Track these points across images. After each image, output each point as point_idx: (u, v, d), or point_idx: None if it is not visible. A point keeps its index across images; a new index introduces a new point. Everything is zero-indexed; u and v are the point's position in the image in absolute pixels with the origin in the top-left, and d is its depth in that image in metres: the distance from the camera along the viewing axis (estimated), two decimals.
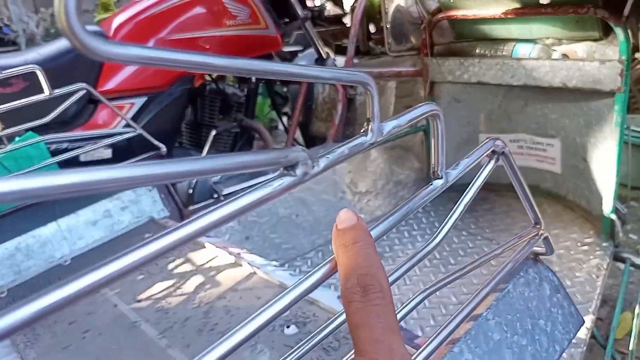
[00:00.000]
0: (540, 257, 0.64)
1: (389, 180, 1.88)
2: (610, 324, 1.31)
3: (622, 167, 1.40)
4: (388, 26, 1.66)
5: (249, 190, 0.29)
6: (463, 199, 0.45)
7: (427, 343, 0.49)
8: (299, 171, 0.30)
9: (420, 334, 1.21)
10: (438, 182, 0.41)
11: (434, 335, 0.49)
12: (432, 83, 1.66)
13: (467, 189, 0.46)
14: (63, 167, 1.30)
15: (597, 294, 1.24)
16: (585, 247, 1.44)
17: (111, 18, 1.65)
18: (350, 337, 0.27)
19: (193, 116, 1.79)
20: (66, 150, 1.40)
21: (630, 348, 1.16)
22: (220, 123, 1.81)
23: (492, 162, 0.46)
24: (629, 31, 1.24)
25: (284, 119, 2.38)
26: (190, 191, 1.66)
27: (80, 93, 1.20)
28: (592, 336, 1.26)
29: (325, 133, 1.86)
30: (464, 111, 1.69)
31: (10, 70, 1.15)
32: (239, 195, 0.29)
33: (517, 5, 1.38)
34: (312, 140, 2.11)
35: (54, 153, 1.34)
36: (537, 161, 1.64)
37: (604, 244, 1.43)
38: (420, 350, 0.48)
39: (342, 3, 6.32)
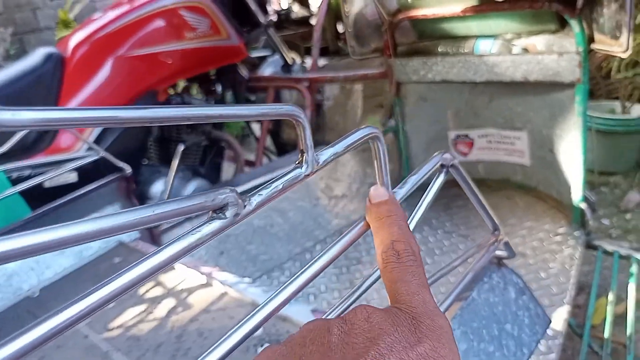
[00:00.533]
0: (505, 260, 0.65)
1: (363, 183, 1.88)
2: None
3: (589, 154, 1.42)
4: (350, 30, 1.66)
5: (180, 236, 0.28)
6: (415, 215, 0.45)
7: None
8: (229, 213, 0.29)
9: None
10: None
11: None
12: (398, 83, 1.67)
13: (418, 206, 0.45)
14: (26, 196, 1.26)
15: (571, 284, 1.26)
16: (558, 238, 1.46)
17: (67, 38, 1.62)
18: (387, 291, 0.30)
19: (159, 132, 1.76)
20: (29, 177, 1.37)
21: (606, 336, 1.17)
22: (188, 137, 1.78)
23: (442, 175, 0.46)
24: (584, 23, 1.26)
25: (255, 126, 2.36)
26: None
27: None
28: (569, 325, 1.28)
29: (295, 140, 1.85)
30: (431, 109, 1.70)
31: None
32: (170, 241, 0.28)
33: (475, 3, 1.40)
34: (283, 148, 2.10)
35: (16, 182, 1.30)
36: (506, 155, 1.66)
37: (576, 233, 1.45)
38: None
39: (309, 5, 6.31)
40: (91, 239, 0.25)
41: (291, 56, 2.11)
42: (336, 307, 0.44)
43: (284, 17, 4.59)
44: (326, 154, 0.35)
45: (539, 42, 1.43)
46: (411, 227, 0.47)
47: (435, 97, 1.68)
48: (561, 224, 1.52)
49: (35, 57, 1.51)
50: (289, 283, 0.36)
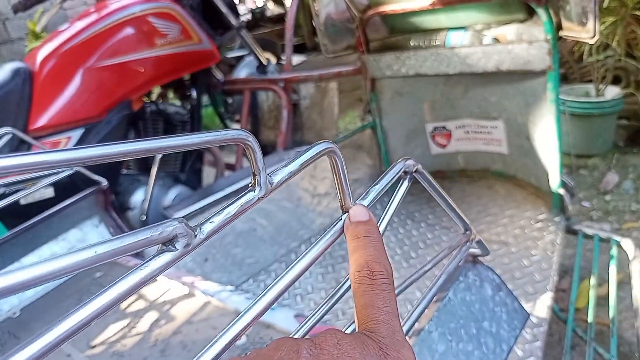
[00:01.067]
0: (480, 257, 0.65)
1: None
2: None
3: (564, 138, 1.44)
4: (321, 28, 1.65)
5: (127, 273, 0.28)
6: (381, 221, 0.45)
7: None
8: (179, 244, 0.28)
9: None
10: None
11: None
12: (372, 79, 1.67)
13: (384, 212, 0.45)
14: (2, 215, 1.24)
15: (553, 270, 1.28)
16: (539, 225, 1.48)
17: (35, 51, 1.59)
18: (356, 315, 0.31)
19: None
20: (4, 195, 1.34)
21: (590, 320, 1.19)
22: None
23: (406, 182, 0.46)
24: (551, 11, 1.26)
25: (237, 127, 2.34)
26: (144, 218, 1.62)
27: (6, 137, 1.15)
28: (553, 312, 1.29)
29: (274, 141, 1.84)
30: (407, 103, 1.71)
31: None
32: (117, 279, 0.28)
33: None
34: (263, 149, 2.08)
35: None
36: (484, 144, 1.67)
37: (556, 219, 1.47)
38: None
39: (283, 2, 6.28)
40: (35, 284, 0.24)
41: (265, 56, 2.10)
42: (316, 311, 0.44)
43: (259, 16, 4.57)
44: (280, 174, 0.34)
45: (509, 31, 1.44)
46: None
47: (410, 91, 1.69)
48: (541, 211, 1.53)
49: (3, 72, 1.48)
50: (270, 288, 0.36)
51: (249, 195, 0.32)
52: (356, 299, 0.32)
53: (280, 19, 5.87)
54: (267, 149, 1.93)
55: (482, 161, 1.72)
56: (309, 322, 0.45)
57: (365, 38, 1.62)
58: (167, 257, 0.28)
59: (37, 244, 1.19)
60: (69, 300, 1.13)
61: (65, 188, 1.44)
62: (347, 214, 0.40)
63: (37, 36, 3.19)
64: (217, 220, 0.31)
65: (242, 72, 2.12)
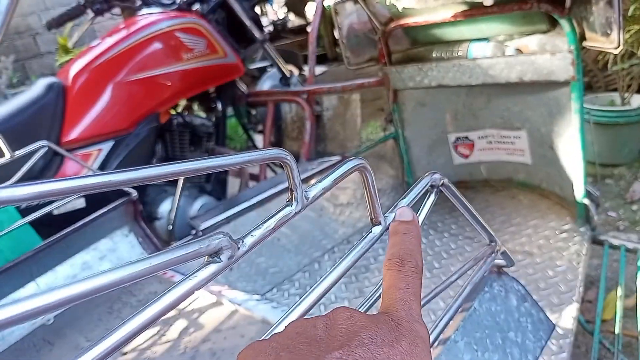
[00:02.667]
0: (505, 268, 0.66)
1: None
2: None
3: (589, 148, 1.43)
4: (344, 41, 1.68)
5: (177, 283, 0.30)
6: None
7: None
8: (223, 257, 0.30)
9: None
10: (377, 229, 0.42)
11: None
12: (395, 91, 1.68)
13: None
14: (36, 225, 1.29)
15: (579, 281, 1.26)
16: (564, 235, 1.46)
17: (67, 66, 1.65)
18: (382, 296, 0.32)
19: (164, 152, 1.79)
20: (37, 207, 1.39)
21: (617, 331, 1.18)
22: (191, 155, 1.81)
23: (433, 196, 0.47)
24: (574, 21, 1.27)
25: (258, 140, 2.38)
26: (170, 227, 1.66)
27: (42, 150, 1.20)
28: (579, 323, 1.28)
29: (297, 152, 1.87)
30: (430, 114, 1.71)
31: None
32: (164, 292, 0.30)
33: (464, 8, 1.41)
34: None
35: (25, 212, 1.33)
36: (507, 154, 1.67)
37: (581, 229, 1.46)
38: None
39: (305, 14, 6.35)
40: (90, 296, 0.27)
41: (288, 68, 2.13)
42: None
43: (281, 27, 4.62)
44: (315, 189, 0.36)
45: (532, 42, 1.44)
46: None
47: (433, 102, 1.70)
48: (566, 221, 1.52)
49: (37, 88, 1.54)
50: (301, 301, 0.38)
51: (287, 210, 0.34)
52: (384, 282, 0.33)
53: (301, 30, 5.95)
54: None
55: (505, 171, 1.72)
56: None
57: (388, 50, 1.64)
58: (212, 268, 0.30)
59: (70, 253, 1.23)
60: (99, 308, 1.16)
61: (96, 199, 1.49)
62: (377, 225, 0.42)
63: (67, 50, 3.30)
64: (258, 233, 0.33)
65: (266, 84, 2.16)
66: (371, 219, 0.42)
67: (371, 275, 1.52)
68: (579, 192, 1.45)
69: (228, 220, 1.47)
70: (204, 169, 0.30)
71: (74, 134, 1.52)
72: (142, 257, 0.28)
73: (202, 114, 2.03)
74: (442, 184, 0.49)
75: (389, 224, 0.43)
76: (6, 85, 3.66)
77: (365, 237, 0.42)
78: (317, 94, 1.85)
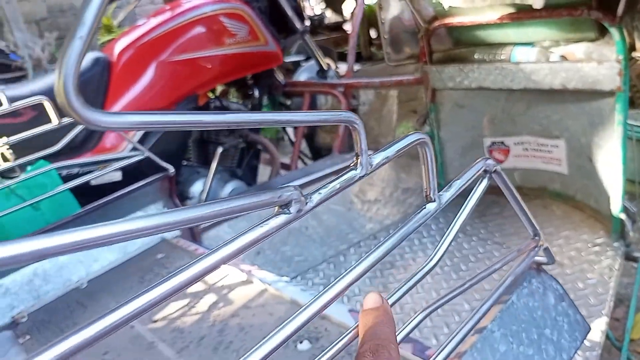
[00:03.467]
0: (544, 266, 0.65)
1: (397, 188, 1.89)
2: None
3: (629, 163, 1.40)
4: (386, 36, 1.68)
5: (247, 230, 0.31)
6: (458, 218, 0.47)
7: (433, 356, 0.50)
8: (292, 209, 0.31)
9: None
10: (431, 206, 0.42)
11: (440, 348, 0.50)
12: (433, 90, 1.68)
13: (461, 210, 0.47)
14: (75, 192, 1.33)
15: (609, 295, 1.24)
16: (597, 248, 1.44)
17: (113, 43, 1.69)
18: None
19: (199, 134, 1.82)
20: (77, 175, 1.43)
21: None
22: (226, 139, 1.83)
23: (485, 181, 0.48)
24: (625, 31, 1.24)
25: (290, 130, 2.40)
26: None
27: None
28: (607, 338, 1.26)
29: (330, 144, 1.88)
30: (467, 116, 1.70)
31: (20, 102, 1.19)
32: (238, 234, 0.31)
33: (512, 10, 1.40)
34: (318, 152, 2.13)
35: (65, 179, 1.37)
36: (543, 163, 1.64)
37: (615, 244, 1.43)
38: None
39: (342, 11, 6.36)
40: (162, 231, 0.28)
41: (326, 62, 2.14)
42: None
43: (317, 23, 4.65)
44: (378, 157, 0.37)
45: (578, 50, 1.42)
46: (453, 231, 0.49)
47: (471, 104, 1.68)
48: (599, 234, 1.49)
49: (84, 61, 1.59)
50: (333, 284, 0.38)
51: (352, 173, 0.35)
52: None
53: (337, 27, 5.94)
54: (322, 152, 1.97)
55: (540, 180, 1.69)
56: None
57: (429, 48, 1.63)
58: (282, 219, 0.31)
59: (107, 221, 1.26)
60: (132, 277, 1.19)
61: (132, 173, 1.53)
62: (431, 202, 0.42)
63: (109, 30, 3.37)
64: (324, 192, 0.34)
65: (303, 76, 2.17)
66: (426, 196, 0.43)
67: (396, 272, 1.52)
68: (616, 207, 1.42)
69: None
70: (283, 122, 0.31)
71: (116, 108, 1.56)
72: (223, 198, 0.29)
73: (238, 100, 2.05)
74: (495, 171, 0.49)
75: (444, 203, 0.43)
76: (48, 60, 3.76)
77: (418, 213, 0.42)
78: (355, 87, 1.85)
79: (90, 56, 1.60)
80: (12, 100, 1.15)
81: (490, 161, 0.48)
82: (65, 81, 0.21)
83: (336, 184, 0.34)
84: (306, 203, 0.32)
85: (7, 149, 1.11)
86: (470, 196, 0.48)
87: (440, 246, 0.47)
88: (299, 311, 0.36)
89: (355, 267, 0.39)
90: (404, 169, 1.85)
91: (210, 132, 1.83)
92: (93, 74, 1.55)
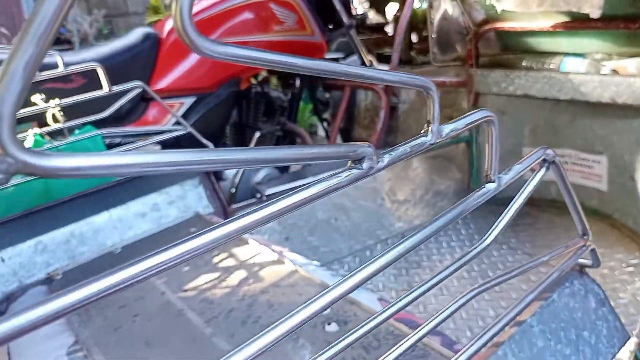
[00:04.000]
0: (586, 269, 0.65)
1: (428, 190, 1.87)
2: None
3: None
4: (434, 36, 1.67)
5: (317, 181, 0.32)
6: (512, 206, 0.47)
7: (469, 344, 0.50)
8: (365, 165, 0.32)
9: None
10: (491, 186, 0.42)
11: (477, 337, 0.50)
12: (476, 94, 1.66)
13: (518, 195, 0.47)
14: None
15: None
16: (631, 269, 1.40)
17: (164, 21, 1.72)
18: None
19: (238, 118, 1.84)
20: (119, 144, 1.47)
21: None
22: (263, 125, 1.85)
23: (543, 170, 0.47)
24: None
25: (324, 124, 2.41)
26: (233, 190, 1.71)
27: (137, 90, 1.26)
28: (635, 358, 1.23)
29: (366, 140, 1.87)
30: (508, 123, 1.68)
31: (74, 67, 1.23)
32: (308, 184, 0.31)
33: (567, 19, 1.37)
34: None
35: (107, 147, 1.41)
36: (582, 178, 1.61)
37: None
38: (463, 351, 0.49)
39: (385, 12, 6.35)
40: (249, 166, 0.28)
41: (369, 58, 2.14)
42: (401, 299, 0.46)
43: (360, 22, 4.64)
44: (448, 128, 0.37)
45: (631, 64, 1.39)
46: (505, 219, 0.49)
47: (514, 111, 1.66)
48: (635, 255, 1.46)
49: (135, 35, 1.62)
50: (362, 268, 0.38)
51: (422, 140, 0.35)
52: None
53: (378, 28, 5.93)
54: None
55: (577, 195, 1.66)
56: (392, 307, 0.47)
57: (477, 52, 1.62)
58: (354, 173, 0.32)
59: (143, 192, 1.29)
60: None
61: (171, 148, 1.56)
62: (491, 183, 0.42)
63: (157, 11, 3.44)
64: (394, 154, 0.34)
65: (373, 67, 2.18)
66: (486, 175, 0.43)
67: (422, 272, 1.51)
68: None
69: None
70: (368, 77, 0.31)
71: (162, 84, 1.59)
72: (302, 145, 0.30)
73: (279, 89, 2.07)
74: (554, 162, 0.49)
75: (503, 184, 0.43)
76: (94, 36, 3.86)
77: (476, 192, 0.42)
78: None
79: (140, 31, 1.64)
80: (66, 65, 1.19)
81: (550, 151, 0.47)
82: (182, 8, 0.22)
83: (406, 148, 0.35)
84: (378, 162, 0.33)
85: (59, 111, 1.15)
86: (526, 185, 0.48)
87: (493, 230, 0.47)
88: (326, 290, 0.36)
89: (384, 255, 0.38)
90: (438, 171, 1.84)
91: (248, 117, 1.85)
92: (143, 48, 1.59)
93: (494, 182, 0.42)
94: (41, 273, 1.14)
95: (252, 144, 1.72)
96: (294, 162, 0.30)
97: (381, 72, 0.34)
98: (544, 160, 0.47)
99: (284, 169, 1.97)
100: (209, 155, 0.27)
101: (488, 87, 1.60)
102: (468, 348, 0.50)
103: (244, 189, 1.71)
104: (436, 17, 1.67)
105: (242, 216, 0.29)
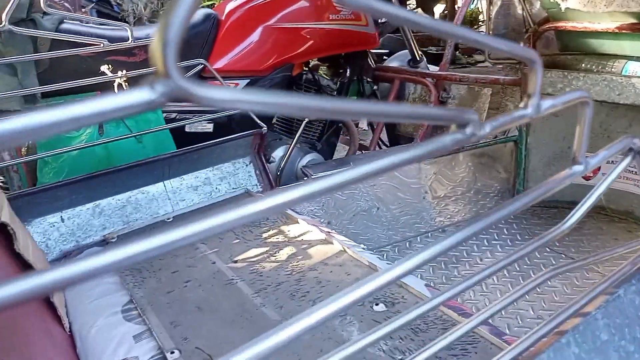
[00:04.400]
0: None
1: (470, 188, 1.86)
2: None
3: None
4: (491, 32, 1.65)
5: (423, 143, 0.33)
6: (597, 189, 0.47)
7: (533, 332, 0.50)
8: (468, 130, 0.33)
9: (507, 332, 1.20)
10: (578, 168, 0.42)
11: (542, 324, 0.51)
12: (530, 94, 1.63)
13: (601, 181, 0.47)
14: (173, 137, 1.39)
15: None
16: None
17: (224, 4, 1.76)
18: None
19: None
20: (174, 120, 1.51)
21: None
22: None
23: (628, 158, 0.47)
24: None
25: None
26: (279, 173, 1.73)
27: (198, 67, 1.30)
28: None
29: (412, 133, 1.87)
30: (560, 125, 1.65)
31: (142, 40, 1.27)
32: (414, 145, 0.33)
33: (634, 21, 1.33)
34: (396, 140, 2.13)
35: (166, 121, 1.45)
36: (635, 186, 1.57)
37: None
38: (524, 338, 0.49)
39: (433, 12, 6.27)
40: (366, 116, 0.29)
41: (420, 53, 2.13)
42: (451, 288, 0.46)
43: None
44: (547, 103, 0.38)
45: None
46: (586, 205, 0.49)
47: (568, 113, 1.62)
48: None
49: (197, 15, 1.66)
50: (413, 255, 0.38)
51: (522, 112, 0.36)
52: None
53: None
54: (401, 141, 1.97)
55: (627, 203, 1.62)
56: (443, 295, 0.47)
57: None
58: (458, 137, 0.33)
59: (197, 167, 1.33)
60: None
61: (223, 127, 1.59)
62: (578, 165, 0.42)
63: None
64: (495, 123, 0.35)
65: (393, 63, 2.17)
66: (573, 158, 0.43)
67: (462, 267, 1.50)
68: None
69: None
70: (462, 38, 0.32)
71: (219, 64, 1.62)
72: (407, 105, 0.31)
73: (329, 77, 2.08)
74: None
75: (589, 168, 0.44)
76: (148, 17, 3.96)
77: (562, 173, 0.43)
78: (448, 80, 1.83)
79: (202, 12, 1.68)
80: (135, 39, 1.23)
81: (637, 140, 0.47)
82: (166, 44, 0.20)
83: (507, 119, 0.35)
84: (480, 129, 0.34)
85: (124, 81, 1.19)
86: (610, 172, 0.48)
87: (572, 216, 0.47)
88: (378, 273, 0.36)
89: (437, 244, 0.38)
90: (482, 169, 1.81)
91: None
92: (203, 28, 1.63)
93: (581, 164, 0.42)
94: (97, 235, 1.19)
95: (300, 130, 1.74)
96: (407, 120, 0.31)
97: (487, 37, 0.34)
98: (630, 149, 0.47)
99: (329, 157, 1.99)
100: (333, 104, 0.28)
101: (543, 88, 1.57)
102: (531, 335, 0.50)
103: (289, 171, 1.73)
104: (495, 13, 1.65)
105: (310, 182, 0.28)
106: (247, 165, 1.39)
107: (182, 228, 0.27)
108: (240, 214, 0.29)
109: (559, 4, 1.39)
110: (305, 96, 0.27)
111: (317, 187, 0.30)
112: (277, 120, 1.90)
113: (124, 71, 1.19)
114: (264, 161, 1.40)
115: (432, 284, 1.45)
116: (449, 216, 1.77)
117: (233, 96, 0.25)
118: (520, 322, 1.24)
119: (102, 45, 1.16)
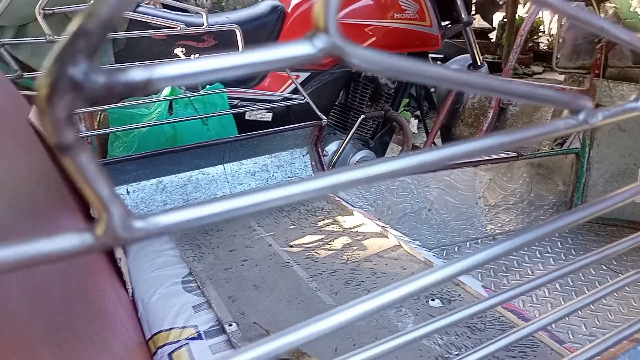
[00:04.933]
0: None
1: (523, 199, 1.82)
2: None
3: None
4: (560, 41, 1.61)
5: (535, 127, 0.33)
6: None
7: (607, 337, 0.50)
8: (581, 116, 0.33)
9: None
10: None
11: (618, 330, 0.50)
12: (597, 105, 1.58)
13: None
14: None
15: None
16: None
17: None
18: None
19: (344, 99, 1.88)
20: (236, 106, 1.56)
21: None
22: (368, 110, 1.88)
23: None
24: None
25: (415, 122, 2.39)
26: (330, 167, 1.75)
27: None
28: None
29: (468, 138, 1.85)
30: (627, 141, 1.59)
31: (215, 26, 1.31)
32: (523, 129, 0.33)
33: None
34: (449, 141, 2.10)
35: (230, 106, 1.49)
36: None
37: None
38: (596, 342, 0.49)
39: (492, 19, 6.14)
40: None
41: (481, 58, 2.10)
42: (507, 290, 0.45)
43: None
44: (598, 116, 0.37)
45: None
46: None
47: (635, 129, 1.57)
48: None
49: (264, 6, 1.70)
50: (471, 255, 0.38)
51: (632, 105, 0.36)
52: None
53: (481, 33, 5.77)
54: None
55: None
56: (501, 295, 0.46)
57: (605, 61, 1.54)
58: (571, 122, 0.33)
59: (256, 153, 1.36)
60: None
61: (282, 117, 1.62)
62: None
63: None
64: (607, 113, 0.35)
65: (453, 67, 2.15)
66: None
67: (511, 276, 1.48)
68: None
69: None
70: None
71: None
72: (520, 82, 0.31)
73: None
74: None
75: None
76: (209, 8, 4.07)
77: (627, 189, 0.42)
78: None
79: (269, 3, 1.72)
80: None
81: None
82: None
83: (618, 109, 0.35)
84: (592, 117, 0.34)
85: None
86: None
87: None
88: (435, 269, 0.36)
89: (496, 246, 0.37)
90: (541, 179, 1.77)
91: (354, 100, 1.88)
92: (269, 19, 1.66)
93: None
94: (158, 210, 1.24)
95: (355, 127, 1.75)
96: (522, 100, 0.31)
97: (618, 29, 0.34)
98: None
99: (380, 156, 1.99)
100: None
101: (611, 100, 1.53)
102: (605, 340, 0.50)
103: (341, 165, 1.75)
104: (567, 22, 1.61)
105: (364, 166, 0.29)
106: (303, 156, 1.42)
107: (236, 199, 0.29)
108: (291, 191, 0.29)
109: (639, 14, 1.35)
110: (459, 71, 0.28)
111: (374, 171, 0.30)
112: (332, 115, 1.92)
113: (197, 55, 1.24)
114: (320, 153, 1.42)
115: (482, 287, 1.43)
116: (499, 224, 1.74)
117: (385, 63, 0.26)
118: (571, 337, 1.21)
119: (178, 28, 1.20)
